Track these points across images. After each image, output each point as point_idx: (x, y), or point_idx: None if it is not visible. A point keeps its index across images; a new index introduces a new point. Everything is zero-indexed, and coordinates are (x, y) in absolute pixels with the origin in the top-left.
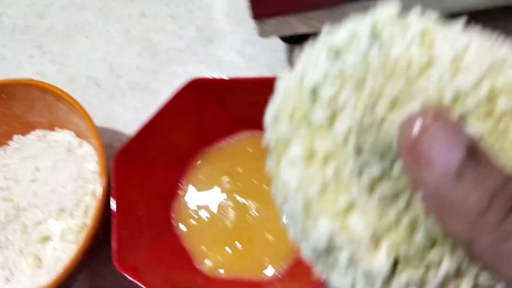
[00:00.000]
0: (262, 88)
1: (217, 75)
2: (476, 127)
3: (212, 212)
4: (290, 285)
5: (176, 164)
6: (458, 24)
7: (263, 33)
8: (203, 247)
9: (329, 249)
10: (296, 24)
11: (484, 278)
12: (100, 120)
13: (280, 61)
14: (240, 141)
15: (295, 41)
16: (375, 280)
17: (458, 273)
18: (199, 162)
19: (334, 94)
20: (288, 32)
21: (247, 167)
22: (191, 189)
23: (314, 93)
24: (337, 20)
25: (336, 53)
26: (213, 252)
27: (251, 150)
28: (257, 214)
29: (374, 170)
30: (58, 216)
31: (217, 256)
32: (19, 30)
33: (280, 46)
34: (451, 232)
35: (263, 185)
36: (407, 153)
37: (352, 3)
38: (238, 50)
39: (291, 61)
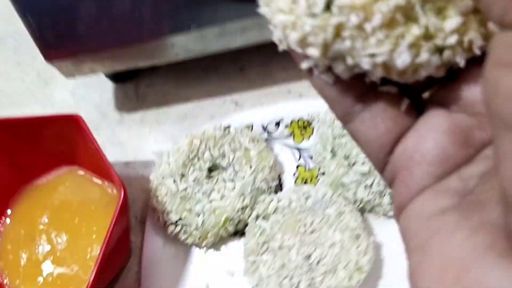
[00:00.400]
0: (65, 125)
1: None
2: None
3: (28, 246)
4: None
5: None
6: None
7: (66, 74)
8: (17, 280)
9: None
10: (90, 64)
11: (434, 23)
12: None
13: (108, 100)
14: (58, 176)
15: (122, 79)
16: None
17: (408, 16)
18: (19, 198)
19: None
20: (89, 72)
21: (62, 201)
22: (10, 225)
23: None
24: (127, 60)
25: None
26: (26, 285)
27: (67, 185)
28: (66, 245)
29: None
30: None
31: None
32: None
33: (109, 86)
34: None
35: (75, 218)
36: None
37: (133, 45)
38: (70, 91)
39: (118, 100)
